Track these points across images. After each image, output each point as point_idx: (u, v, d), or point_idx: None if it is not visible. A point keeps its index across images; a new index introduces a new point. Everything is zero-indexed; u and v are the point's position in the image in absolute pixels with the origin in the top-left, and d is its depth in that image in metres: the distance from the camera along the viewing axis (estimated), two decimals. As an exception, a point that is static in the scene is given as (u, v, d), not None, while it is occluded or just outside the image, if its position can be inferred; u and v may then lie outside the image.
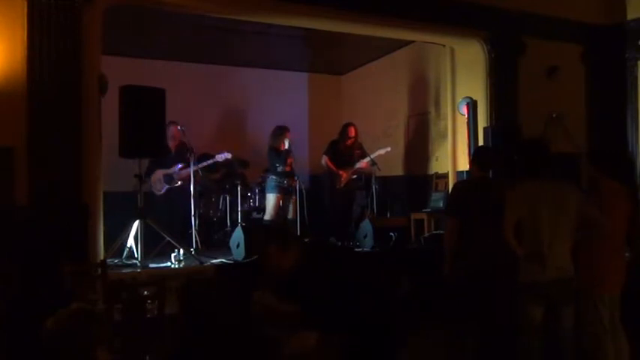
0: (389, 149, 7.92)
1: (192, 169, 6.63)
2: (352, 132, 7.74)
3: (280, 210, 7.35)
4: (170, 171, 7.04)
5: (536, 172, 3.83)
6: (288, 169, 7.37)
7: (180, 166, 7.00)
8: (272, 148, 7.45)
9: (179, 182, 7.04)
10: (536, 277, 3.72)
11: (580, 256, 3.79)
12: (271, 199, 7.33)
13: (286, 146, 7.35)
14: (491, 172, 4.90)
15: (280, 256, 3.06)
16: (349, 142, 7.72)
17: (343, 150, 7.73)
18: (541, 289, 3.73)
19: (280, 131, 7.41)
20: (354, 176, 7.81)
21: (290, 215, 7.40)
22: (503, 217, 3.86)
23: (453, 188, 5.79)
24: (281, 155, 7.37)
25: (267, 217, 7.36)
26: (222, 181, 8.07)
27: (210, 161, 7.13)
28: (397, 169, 9.07)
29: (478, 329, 4.37)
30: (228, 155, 7.18)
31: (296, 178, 7.25)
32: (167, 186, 7.05)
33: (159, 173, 7.05)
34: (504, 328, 4.21)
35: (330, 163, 7.73)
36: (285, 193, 7.36)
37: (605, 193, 3.92)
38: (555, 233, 3.71)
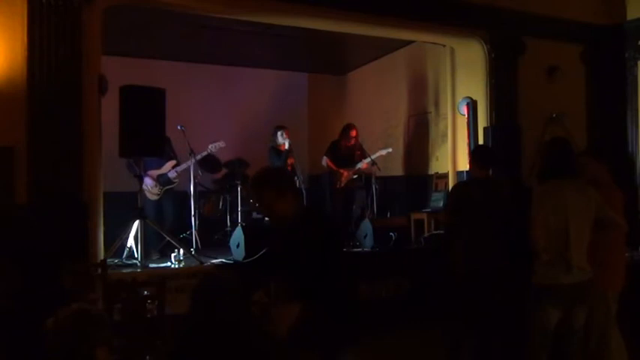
0: (390, 150, 7.95)
1: (192, 169, 6.62)
2: (354, 133, 7.77)
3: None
4: (163, 170, 6.73)
5: (561, 172, 3.80)
6: (289, 169, 7.37)
7: (172, 163, 6.72)
8: (272, 148, 7.47)
9: (176, 182, 6.76)
10: (559, 280, 3.64)
11: (588, 255, 3.76)
12: (272, 199, 7.32)
13: (287, 147, 7.35)
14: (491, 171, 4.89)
15: (276, 200, 3.00)
16: (350, 142, 7.74)
17: (344, 151, 7.74)
18: (563, 293, 3.66)
19: (278, 129, 7.43)
20: (355, 176, 7.82)
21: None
22: (511, 217, 3.85)
23: (454, 187, 5.80)
24: (281, 155, 7.37)
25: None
26: (223, 180, 8.07)
27: (204, 153, 6.86)
28: (397, 169, 9.08)
29: (477, 329, 4.37)
30: (222, 144, 6.98)
31: (296, 178, 7.24)
32: (162, 188, 6.73)
33: (152, 175, 6.69)
34: (504, 328, 4.22)
35: (330, 163, 7.74)
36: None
37: (612, 195, 3.93)
38: (579, 235, 3.66)
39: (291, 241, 2.99)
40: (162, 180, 6.73)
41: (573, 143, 4.17)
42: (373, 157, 7.61)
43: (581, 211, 3.67)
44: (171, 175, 6.75)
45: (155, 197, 6.70)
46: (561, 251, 3.65)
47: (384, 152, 7.82)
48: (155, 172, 6.70)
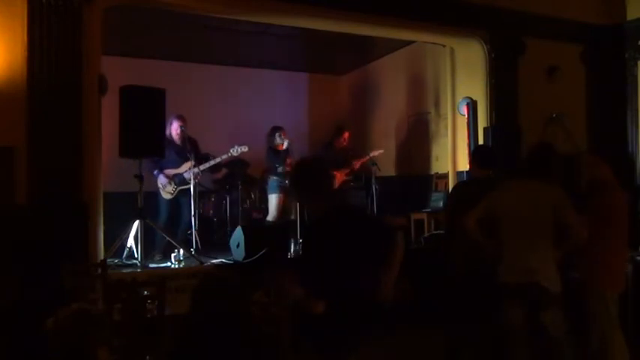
0: (382, 151, 8.07)
1: (192, 168, 6.60)
2: (346, 135, 7.92)
3: (283, 210, 7.36)
4: (180, 170, 6.68)
5: (522, 173, 3.84)
6: (288, 169, 7.37)
7: (189, 164, 6.59)
8: (270, 149, 7.46)
9: (192, 182, 6.55)
10: (505, 279, 3.74)
11: (588, 255, 3.77)
12: (273, 200, 7.33)
13: (285, 146, 7.36)
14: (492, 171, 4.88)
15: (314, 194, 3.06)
16: (343, 144, 7.84)
17: (337, 152, 7.78)
18: (512, 291, 3.73)
19: (275, 131, 7.45)
20: (347, 177, 7.88)
21: (292, 216, 7.39)
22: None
23: (454, 187, 5.81)
24: (279, 155, 7.37)
25: (269, 217, 7.36)
26: (223, 180, 8.06)
27: (224, 156, 6.88)
28: (397, 169, 9.08)
29: (478, 330, 4.36)
30: (245, 148, 6.95)
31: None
32: (176, 187, 6.68)
33: (167, 173, 6.67)
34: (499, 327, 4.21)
35: None
36: (286, 193, 7.35)
37: (616, 196, 3.92)
38: (527, 235, 3.69)
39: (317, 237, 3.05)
40: (177, 179, 6.71)
41: (573, 143, 4.18)
42: (366, 158, 7.69)
43: (532, 213, 3.68)
44: (187, 175, 6.64)
45: (169, 196, 6.70)
46: (504, 250, 3.74)
47: (376, 153, 7.90)
48: (171, 171, 6.70)
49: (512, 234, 3.75)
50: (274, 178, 7.35)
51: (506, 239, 3.78)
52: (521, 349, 3.75)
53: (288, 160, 7.37)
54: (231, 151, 6.93)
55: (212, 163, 6.89)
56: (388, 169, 9.05)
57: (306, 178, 3.08)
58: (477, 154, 4.92)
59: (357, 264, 2.92)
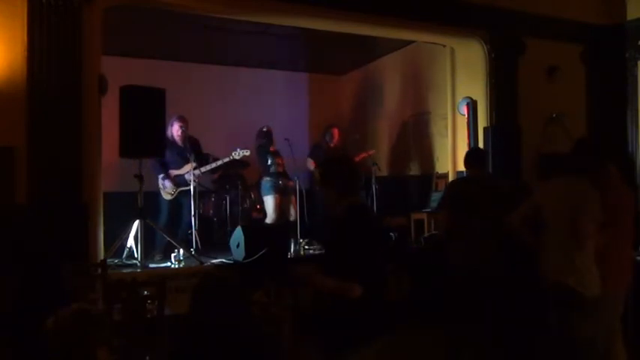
0: (372, 152, 8.11)
1: (191, 169, 6.61)
2: (335, 133, 7.93)
3: (281, 211, 7.34)
4: (182, 172, 6.72)
5: (562, 170, 3.79)
6: (280, 169, 7.37)
7: (190, 166, 6.60)
8: (259, 148, 7.46)
9: (192, 184, 6.53)
10: (546, 279, 3.70)
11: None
12: (269, 202, 7.29)
13: (273, 148, 7.37)
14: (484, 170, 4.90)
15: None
16: (333, 143, 7.85)
17: (327, 151, 7.77)
18: (549, 292, 3.68)
19: (259, 133, 7.48)
20: None
21: (291, 217, 7.37)
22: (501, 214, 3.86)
23: (451, 183, 5.83)
24: (269, 155, 7.35)
25: (268, 220, 7.32)
26: (222, 180, 8.06)
27: (226, 159, 6.92)
28: (397, 169, 9.08)
29: (478, 330, 4.37)
30: (247, 152, 7.00)
31: (295, 178, 7.23)
32: (177, 188, 6.71)
33: (171, 174, 6.72)
34: (505, 328, 4.22)
35: (315, 165, 7.77)
36: (282, 193, 7.33)
37: (620, 194, 3.90)
38: (561, 234, 3.63)
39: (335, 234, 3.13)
40: (178, 180, 6.74)
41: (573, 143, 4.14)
42: (357, 158, 7.71)
43: (568, 211, 3.59)
44: (188, 177, 6.63)
45: (169, 197, 6.72)
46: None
47: (367, 154, 7.92)
48: (173, 172, 6.73)
49: (547, 232, 3.68)
50: (267, 179, 7.32)
51: (544, 238, 3.71)
52: (551, 350, 3.71)
53: (280, 160, 7.37)
54: (233, 154, 6.93)
55: (213, 165, 6.92)
56: (388, 169, 9.06)
57: (350, 176, 3.15)
58: (466, 155, 5.00)
59: (374, 265, 2.97)
